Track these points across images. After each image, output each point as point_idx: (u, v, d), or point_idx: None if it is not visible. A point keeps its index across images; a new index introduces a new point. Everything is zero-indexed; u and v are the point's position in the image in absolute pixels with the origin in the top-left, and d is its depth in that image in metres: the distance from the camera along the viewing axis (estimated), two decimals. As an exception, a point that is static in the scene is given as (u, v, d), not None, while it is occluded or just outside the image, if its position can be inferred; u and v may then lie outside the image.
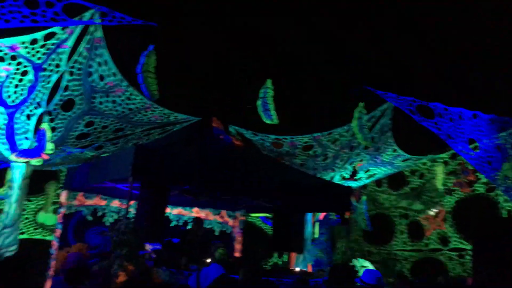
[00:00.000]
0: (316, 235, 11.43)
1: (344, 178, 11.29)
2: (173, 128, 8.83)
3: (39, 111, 7.14)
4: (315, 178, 10.14)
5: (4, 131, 7.08)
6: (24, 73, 6.76)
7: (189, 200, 9.68)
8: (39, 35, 6.48)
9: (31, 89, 6.88)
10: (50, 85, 7.05)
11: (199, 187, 8.25)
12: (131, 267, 5.76)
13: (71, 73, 7.13)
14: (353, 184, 11.26)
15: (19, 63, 6.64)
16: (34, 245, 10.12)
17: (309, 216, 11.12)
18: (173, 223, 10.33)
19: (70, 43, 6.83)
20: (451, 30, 10.93)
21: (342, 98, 10.09)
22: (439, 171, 12.06)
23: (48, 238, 10.37)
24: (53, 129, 7.22)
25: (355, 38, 11.55)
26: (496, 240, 8.54)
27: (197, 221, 9.09)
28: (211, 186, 8.03)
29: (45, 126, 6.97)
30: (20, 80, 6.81)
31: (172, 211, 10.20)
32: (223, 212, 10.95)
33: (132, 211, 7.78)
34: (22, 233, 9.03)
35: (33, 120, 7.18)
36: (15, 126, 7.10)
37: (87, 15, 6.46)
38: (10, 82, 6.79)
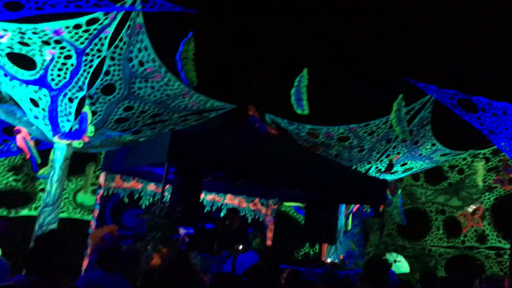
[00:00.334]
0: (349, 227, 11.35)
1: (379, 171, 11.13)
2: (209, 115, 8.89)
3: (81, 94, 7.32)
4: (350, 170, 10.04)
5: (47, 113, 7.31)
6: (67, 57, 6.93)
7: (223, 186, 9.77)
8: (82, 20, 6.62)
9: (74, 73, 7.05)
10: (92, 69, 7.21)
11: (233, 174, 8.31)
12: (166, 250, 5.87)
13: (112, 58, 7.26)
14: (388, 177, 11.09)
15: (62, 47, 6.81)
16: (73, 225, 10.45)
17: (343, 207, 11.04)
18: (206, 209, 10.46)
19: (111, 28, 6.95)
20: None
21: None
22: (480, 167, 11.73)
23: (86, 218, 10.70)
24: (93, 113, 7.40)
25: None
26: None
27: (234, 213, 9.12)
28: (245, 174, 8.08)
29: (86, 109, 7.16)
30: (63, 64, 6.98)
31: (206, 197, 10.32)
32: (256, 200, 10.99)
33: (167, 195, 7.92)
34: (62, 212, 9.32)
35: (75, 103, 7.38)
36: (58, 108, 7.31)
37: (128, 1, 6.55)
38: (54, 66, 6.97)
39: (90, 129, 6.99)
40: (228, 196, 10.67)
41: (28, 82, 7.00)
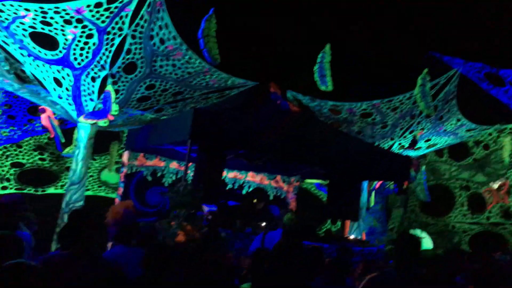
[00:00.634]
0: (372, 204, 11.30)
1: (403, 147, 10.99)
2: (231, 93, 8.85)
3: (103, 73, 7.34)
4: (372, 146, 9.93)
5: (71, 93, 7.36)
6: (89, 36, 6.92)
7: (245, 164, 9.79)
8: (103, -2, 6.59)
9: (96, 52, 7.06)
10: (114, 48, 7.21)
11: (255, 152, 8.29)
12: (190, 227, 5.94)
13: (133, 37, 7.24)
14: (412, 153, 10.95)
15: (84, 26, 6.80)
16: (98, 202, 10.65)
17: (365, 184, 10.98)
18: (228, 186, 10.52)
19: (132, 6, 6.91)
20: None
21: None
22: (507, 142, 11.48)
23: (111, 195, 10.89)
24: (116, 92, 7.42)
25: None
26: None
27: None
28: (267, 152, 8.06)
29: (109, 88, 7.18)
30: (86, 43, 6.99)
31: (227, 175, 10.37)
32: (278, 177, 11.01)
33: (190, 173, 7.97)
34: (87, 190, 9.50)
35: (98, 82, 7.41)
36: (81, 88, 7.36)
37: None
38: (76, 45, 6.99)
39: (115, 107, 7.02)
40: (250, 173, 10.72)
41: (51, 62, 7.04)
